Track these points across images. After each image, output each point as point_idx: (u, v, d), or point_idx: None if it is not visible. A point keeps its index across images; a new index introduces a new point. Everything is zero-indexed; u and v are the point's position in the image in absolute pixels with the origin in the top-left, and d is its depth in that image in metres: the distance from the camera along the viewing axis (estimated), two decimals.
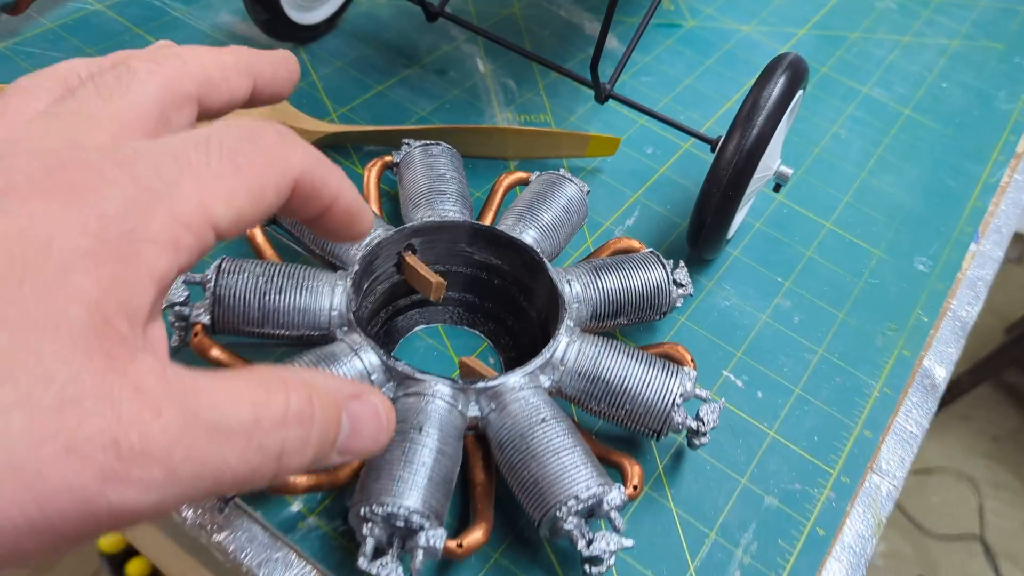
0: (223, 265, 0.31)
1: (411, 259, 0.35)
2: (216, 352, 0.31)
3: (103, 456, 0.16)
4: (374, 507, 0.26)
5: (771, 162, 0.39)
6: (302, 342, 0.32)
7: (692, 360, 0.34)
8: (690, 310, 0.40)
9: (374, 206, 0.38)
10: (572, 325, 0.33)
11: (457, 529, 0.31)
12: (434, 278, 0.34)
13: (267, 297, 0.31)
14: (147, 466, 0.17)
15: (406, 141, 0.39)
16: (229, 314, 0.31)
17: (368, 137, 0.43)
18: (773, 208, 0.46)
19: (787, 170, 0.40)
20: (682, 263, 0.36)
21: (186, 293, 0.31)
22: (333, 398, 0.21)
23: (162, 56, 0.23)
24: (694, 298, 0.41)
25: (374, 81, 0.48)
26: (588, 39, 0.55)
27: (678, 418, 0.31)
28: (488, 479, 0.31)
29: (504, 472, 0.30)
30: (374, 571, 0.26)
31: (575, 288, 0.34)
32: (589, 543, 0.28)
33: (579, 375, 0.31)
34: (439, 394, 0.30)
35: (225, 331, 0.31)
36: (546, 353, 0.31)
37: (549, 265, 0.34)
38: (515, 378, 0.30)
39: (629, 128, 0.49)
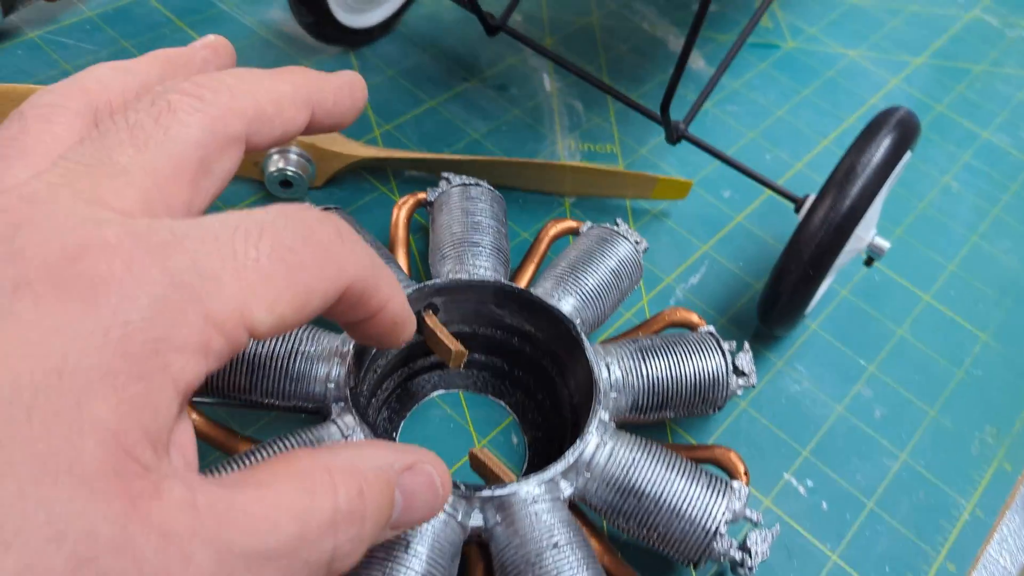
0: None
1: (431, 320, 0.30)
2: (194, 417, 0.27)
3: None
4: None
5: (864, 233, 0.33)
6: (294, 411, 0.28)
7: (746, 472, 0.29)
8: (753, 394, 0.35)
9: (401, 250, 0.33)
10: (607, 419, 0.28)
11: None
12: (455, 346, 0.30)
13: (256, 362, 0.27)
14: None
15: (445, 176, 0.35)
16: (213, 377, 0.27)
17: (409, 164, 0.39)
18: (863, 274, 0.40)
19: (883, 243, 0.34)
20: (747, 346, 0.31)
21: None
22: (385, 478, 0.19)
23: (208, 87, 0.20)
24: (760, 380, 0.36)
25: (427, 95, 0.44)
26: (672, 57, 0.49)
27: (720, 548, 0.26)
28: None
29: None
30: None
31: (614, 373, 0.29)
32: None
33: (607, 485, 0.27)
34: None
35: (208, 393, 0.27)
36: (570, 456, 0.27)
37: (587, 343, 0.29)
38: (529, 487, 0.26)
39: (705, 166, 0.43)
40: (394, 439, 0.31)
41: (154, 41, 0.43)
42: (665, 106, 0.33)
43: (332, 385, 0.27)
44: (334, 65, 0.44)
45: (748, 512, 0.27)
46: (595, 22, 0.51)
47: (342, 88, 0.24)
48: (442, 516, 0.25)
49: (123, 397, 0.15)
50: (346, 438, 0.26)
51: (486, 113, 0.44)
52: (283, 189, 0.37)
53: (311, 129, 0.23)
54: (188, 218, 0.19)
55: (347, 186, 0.39)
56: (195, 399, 0.29)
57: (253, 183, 0.38)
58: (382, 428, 0.31)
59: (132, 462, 0.15)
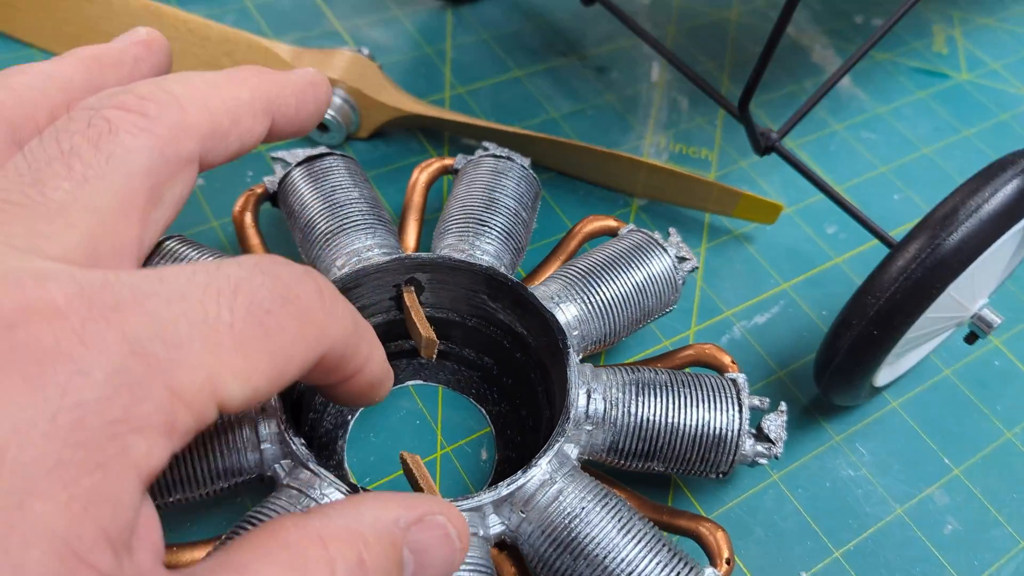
0: None
1: (409, 299, 0.26)
2: None
3: None
4: None
5: (967, 299, 0.26)
6: (230, 490, 0.23)
7: (729, 561, 0.23)
8: (793, 466, 0.29)
9: (413, 216, 0.30)
10: (571, 454, 0.23)
11: None
12: (426, 332, 0.26)
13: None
14: None
15: (484, 145, 0.31)
16: None
17: (465, 130, 0.35)
18: (978, 355, 0.33)
19: (994, 317, 0.27)
20: (782, 407, 0.25)
21: None
22: (389, 539, 0.16)
23: (153, 100, 0.17)
24: (805, 452, 0.29)
25: (515, 64, 0.40)
26: (812, 69, 0.43)
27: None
28: None
29: None
30: None
31: (596, 403, 0.24)
32: None
33: (543, 532, 0.22)
34: None
35: None
36: (504, 488, 0.22)
37: (573, 359, 0.24)
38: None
39: (811, 195, 0.37)
40: (346, 429, 0.27)
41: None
42: (744, 103, 0.28)
43: (267, 446, 0.22)
44: (429, 19, 0.41)
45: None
46: (732, 17, 0.45)
47: (305, 91, 0.21)
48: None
49: (75, 493, 0.12)
50: (309, 499, 0.21)
51: (575, 93, 0.39)
52: (319, 132, 0.34)
53: (268, 139, 0.20)
54: (138, 258, 0.16)
55: (394, 142, 0.36)
56: None
57: None
58: (334, 416, 0.27)
59: (87, 570, 0.12)
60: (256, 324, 0.15)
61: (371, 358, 0.19)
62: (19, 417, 0.12)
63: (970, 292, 0.26)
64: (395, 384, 0.28)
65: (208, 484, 0.22)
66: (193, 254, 0.24)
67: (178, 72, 0.19)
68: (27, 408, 0.12)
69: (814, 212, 0.36)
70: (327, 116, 0.33)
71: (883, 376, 0.29)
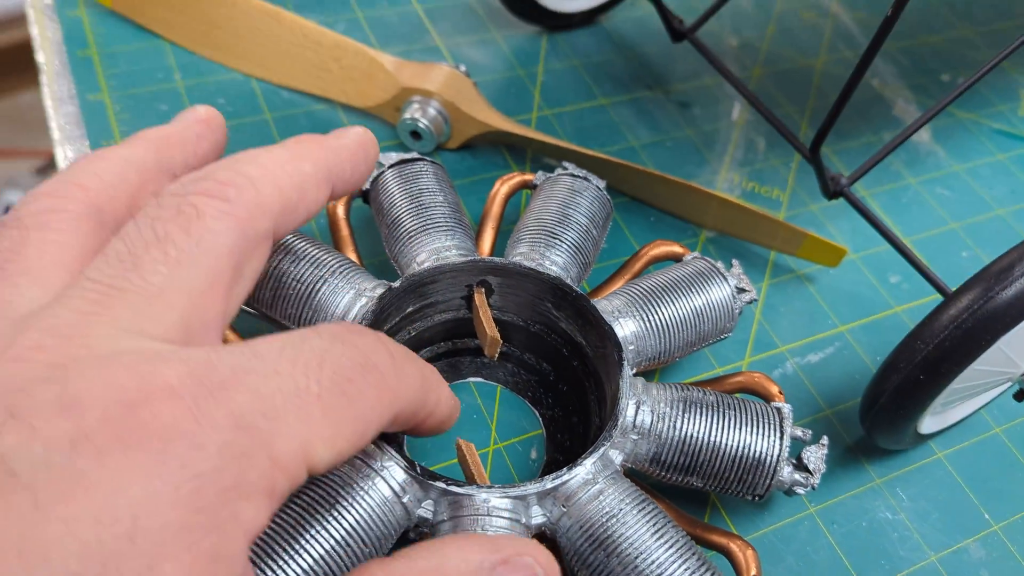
0: None
1: (479, 299, 0.28)
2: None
3: None
4: None
5: (1018, 356, 0.27)
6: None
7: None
8: (831, 502, 0.29)
9: (491, 224, 0.31)
10: (616, 461, 0.25)
11: None
12: (492, 331, 0.27)
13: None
14: None
15: (564, 165, 0.32)
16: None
17: (548, 150, 0.37)
18: None
19: None
20: (825, 440, 0.26)
21: None
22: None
23: (232, 184, 0.19)
24: (845, 491, 0.30)
25: (601, 92, 0.42)
26: (893, 122, 0.44)
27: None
28: None
29: None
30: None
31: (644, 415, 0.25)
32: None
33: (581, 528, 0.23)
34: (496, 511, 0.23)
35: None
36: (550, 481, 0.23)
37: (627, 372, 0.26)
38: (494, 497, 0.23)
39: (877, 244, 0.38)
40: None
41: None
42: (816, 146, 0.29)
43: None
44: (525, 43, 0.43)
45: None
46: (818, 66, 0.46)
47: (357, 154, 0.22)
48: (505, 523, 0.23)
49: (197, 555, 0.14)
50: (376, 473, 0.23)
51: (656, 125, 0.41)
52: (412, 139, 0.36)
53: (327, 201, 0.22)
54: (223, 329, 0.18)
55: (481, 156, 0.38)
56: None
57: (387, 127, 0.37)
58: None
59: None
60: (340, 393, 0.17)
61: (439, 403, 0.21)
62: (148, 488, 0.14)
63: (1021, 348, 0.27)
64: (458, 379, 0.30)
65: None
66: (309, 248, 0.27)
67: (245, 152, 0.20)
68: (155, 479, 0.14)
69: (879, 261, 0.37)
70: (422, 125, 0.35)
71: (929, 424, 0.29)
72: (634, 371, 0.27)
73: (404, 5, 0.44)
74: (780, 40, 0.47)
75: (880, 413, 0.27)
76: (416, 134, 0.36)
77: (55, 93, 0.36)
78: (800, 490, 0.26)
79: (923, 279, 0.30)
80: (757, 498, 0.26)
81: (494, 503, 0.23)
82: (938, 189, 0.41)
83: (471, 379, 0.30)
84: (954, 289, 0.27)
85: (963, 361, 0.25)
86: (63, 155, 0.34)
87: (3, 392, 0.14)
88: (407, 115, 0.35)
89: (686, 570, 0.22)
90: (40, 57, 0.37)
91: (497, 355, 0.28)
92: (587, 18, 0.44)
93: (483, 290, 0.29)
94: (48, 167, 1.06)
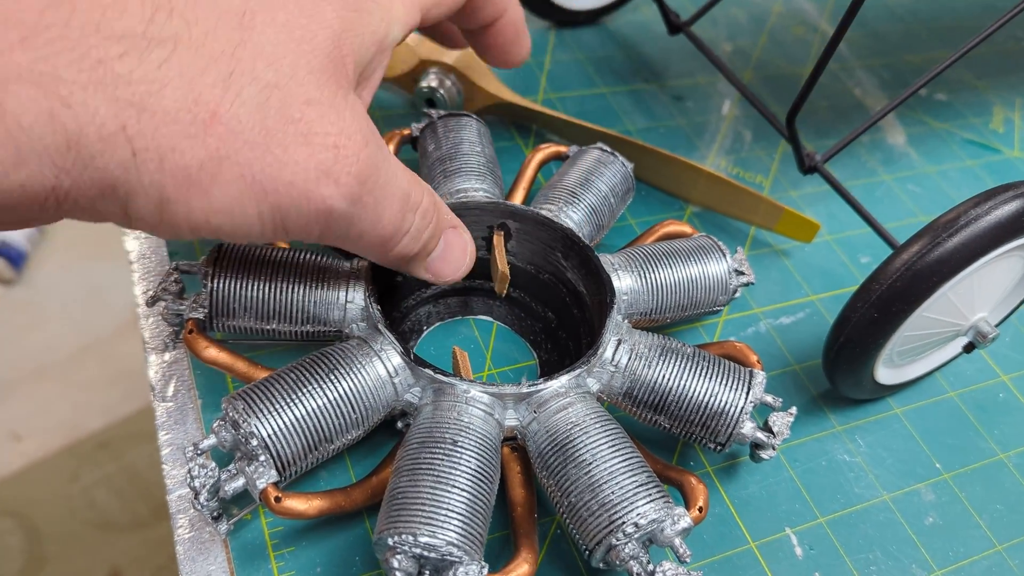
0: (222, 250, 0.27)
1: (497, 239, 0.31)
2: (212, 352, 0.27)
3: (324, 154, 0.20)
4: (405, 537, 0.22)
5: (966, 308, 0.30)
6: (312, 339, 0.29)
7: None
8: (794, 443, 0.32)
9: (522, 187, 0.34)
10: (591, 387, 0.27)
11: (497, 554, 0.27)
12: (503, 267, 0.30)
13: (270, 286, 0.27)
14: (348, 177, 0.21)
15: (599, 146, 0.35)
16: (227, 306, 0.27)
17: (551, 123, 0.40)
18: (985, 385, 0.36)
19: (989, 329, 0.30)
20: (793, 410, 0.28)
21: (180, 285, 0.28)
22: (441, 216, 0.26)
23: None
24: (807, 434, 0.33)
25: (603, 82, 0.45)
26: (874, 127, 0.47)
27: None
28: (529, 497, 0.27)
29: (548, 491, 0.26)
30: None
31: (622, 353, 0.28)
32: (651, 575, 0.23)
33: (547, 433, 0.26)
34: (474, 401, 0.26)
35: (223, 327, 0.28)
36: (525, 387, 0.26)
37: (615, 314, 0.28)
38: (473, 389, 0.26)
39: (854, 227, 0.41)
40: (420, 335, 0.32)
41: None
42: (791, 118, 0.32)
43: (352, 305, 0.27)
44: (534, 35, 0.47)
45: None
46: (805, 74, 0.49)
47: None
48: (481, 414, 0.26)
49: (344, 15, 0.21)
50: (375, 353, 0.26)
51: (651, 113, 0.44)
52: (427, 107, 0.39)
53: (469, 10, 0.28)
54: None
55: (489, 126, 0.41)
56: (216, 338, 0.29)
57: (405, 99, 0.41)
58: (413, 323, 0.32)
59: (341, 64, 0.21)
60: None
61: (511, 3, 0.28)
62: None
63: (969, 301, 0.29)
64: (468, 315, 0.33)
65: (299, 323, 0.27)
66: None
67: None
68: None
69: (851, 242, 0.40)
70: (438, 94, 0.38)
71: (887, 375, 0.32)
72: (625, 320, 0.30)
73: None
74: (771, 49, 0.50)
75: (840, 352, 0.30)
76: (431, 102, 0.39)
77: None
78: (764, 454, 0.28)
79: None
80: (719, 447, 0.28)
81: (473, 394, 0.26)
82: (910, 186, 0.44)
83: (481, 316, 0.33)
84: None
85: (911, 300, 0.27)
86: None
87: None
88: (424, 83, 0.39)
89: (634, 481, 0.24)
90: None
91: (505, 292, 0.31)
92: (592, 17, 0.48)
93: (502, 233, 0.31)
94: None
